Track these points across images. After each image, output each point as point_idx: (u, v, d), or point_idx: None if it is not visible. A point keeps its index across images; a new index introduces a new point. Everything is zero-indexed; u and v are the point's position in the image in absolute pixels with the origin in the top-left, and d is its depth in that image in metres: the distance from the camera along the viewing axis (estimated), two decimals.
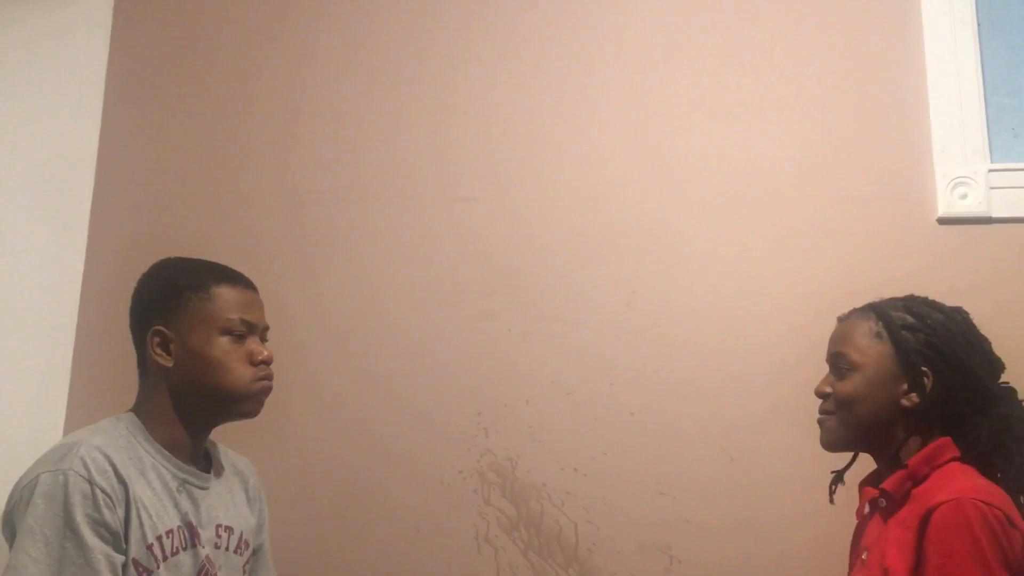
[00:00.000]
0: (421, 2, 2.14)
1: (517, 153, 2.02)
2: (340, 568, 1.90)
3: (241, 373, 1.39)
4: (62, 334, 2.08)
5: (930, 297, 1.48)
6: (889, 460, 1.37)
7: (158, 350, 1.38)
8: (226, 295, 1.41)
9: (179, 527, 1.35)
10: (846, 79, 1.91)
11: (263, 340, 1.45)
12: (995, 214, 1.79)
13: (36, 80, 2.18)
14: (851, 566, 1.45)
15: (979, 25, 1.88)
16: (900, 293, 1.76)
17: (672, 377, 1.87)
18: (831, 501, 1.47)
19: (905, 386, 1.35)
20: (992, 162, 1.82)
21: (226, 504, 1.46)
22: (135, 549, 1.27)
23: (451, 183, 2.04)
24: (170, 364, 1.38)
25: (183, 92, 2.20)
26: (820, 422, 1.43)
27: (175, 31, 2.25)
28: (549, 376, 1.90)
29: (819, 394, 1.43)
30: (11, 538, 1.26)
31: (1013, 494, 1.28)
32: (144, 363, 1.41)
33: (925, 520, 1.23)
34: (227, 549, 1.43)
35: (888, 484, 1.34)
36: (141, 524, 1.29)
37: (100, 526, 1.24)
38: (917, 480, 1.32)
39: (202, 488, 1.41)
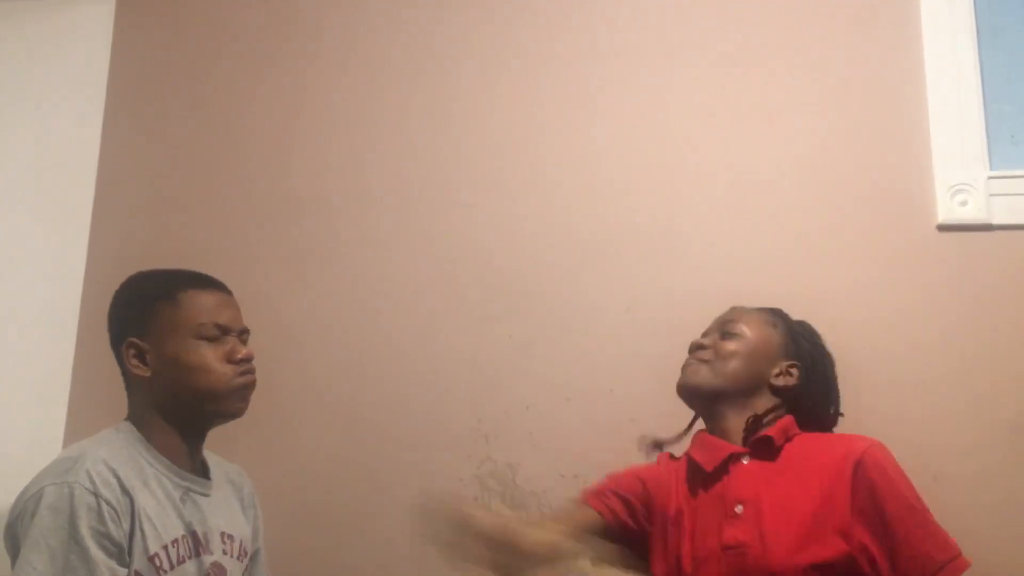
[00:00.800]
0: (419, 9, 2.14)
1: (517, 158, 2.02)
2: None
3: (221, 372, 1.39)
4: (63, 340, 2.08)
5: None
6: (751, 421, 1.48)
7: (134, 361, 1.39)
8: (195, 300, 1.41)
9: (183, 536, 1.35)
10: (846, 85, 1.91)
11: (243, 344, 1.44)
12: (995, 221, 1.79)
13: (38, 86, 2.19)
14: (681, 518, 1.47)
15: (979, 31, 1.87)
16: (901, 299, 1.78)
17: (673, 383, 1.85)
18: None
19: (777, 371, 1.52)
20: (992, 169, 1.81)
21: (225, 512, 1.47)
22: (137, 561, 1.28)
23: (451, 188, 2.03)
24: (148, 374, 1.39)
25: (183, 98, 2.21)
26: (687, 365, 1.54)
27: (176, 37, 2.25)
28: (550, 382, 1.90)
29: (696, 344, 1.55)
30: (14, 549, 1.26)
31: None
32: (127, 375, 1.43)
33: (855, 467, 1.37)
34: (231, 555, 1.44)
35: (773, 431, 1.45)
36: (144, 536, 1.29)
37: (105, 539, 1.24)
38: (789, 438, 1.47)
39: (204, 495, 1.42)
